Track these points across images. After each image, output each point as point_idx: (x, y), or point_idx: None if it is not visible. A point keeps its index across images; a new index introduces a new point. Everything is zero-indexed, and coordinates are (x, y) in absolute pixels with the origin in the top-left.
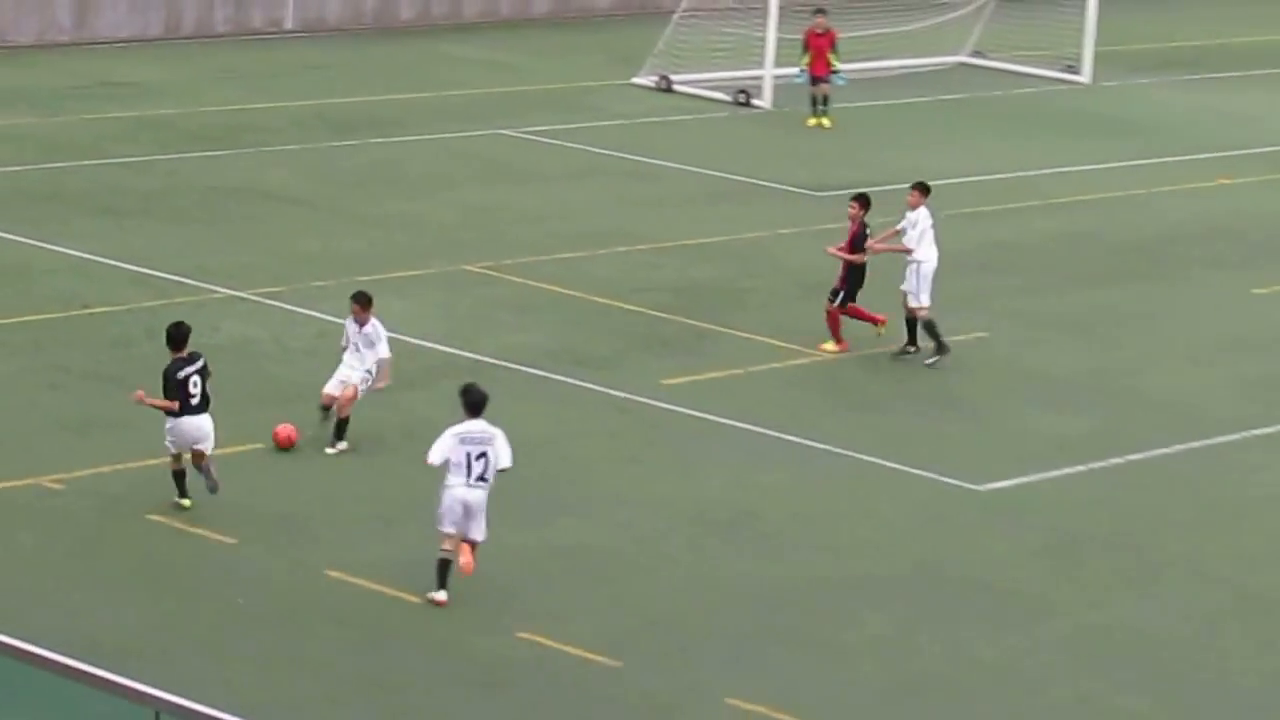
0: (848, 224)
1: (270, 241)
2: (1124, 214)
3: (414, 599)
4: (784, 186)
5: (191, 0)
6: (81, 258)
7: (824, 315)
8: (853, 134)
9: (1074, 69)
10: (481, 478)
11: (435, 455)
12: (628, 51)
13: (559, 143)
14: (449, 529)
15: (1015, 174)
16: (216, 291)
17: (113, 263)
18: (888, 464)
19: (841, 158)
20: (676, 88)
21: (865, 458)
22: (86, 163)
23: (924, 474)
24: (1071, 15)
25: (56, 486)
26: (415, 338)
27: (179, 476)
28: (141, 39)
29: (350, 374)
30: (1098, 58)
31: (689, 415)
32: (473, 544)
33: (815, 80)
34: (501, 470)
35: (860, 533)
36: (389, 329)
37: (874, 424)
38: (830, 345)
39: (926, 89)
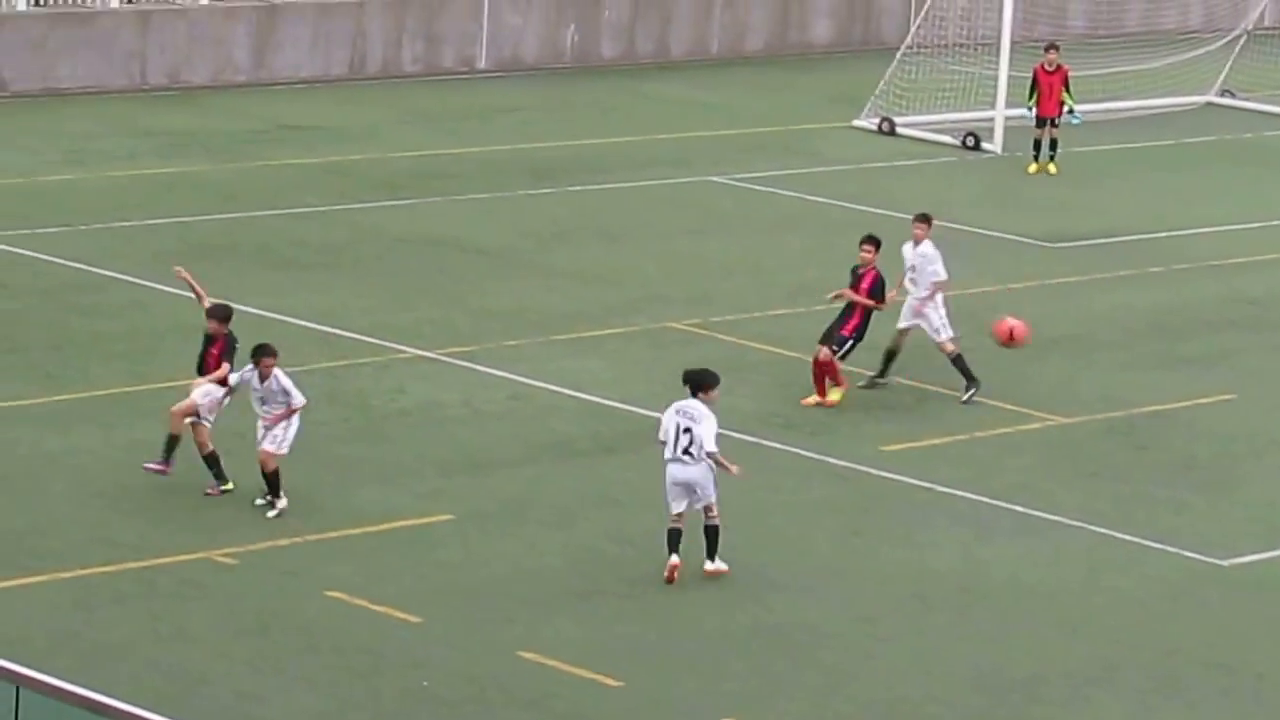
0: (862, 267)
1: (460, 297)
2: None
3: (611, 681)
4: (1014, 237)
5: (378, 38)
6: (258, 315)
7: (813, 364)
8: (1086, 179)
9: None
10: (686, 451)
11: (660, 431)
12: (848, 91)
13: (772, 189)
14: (673, 508)
15: (1266, 223)
16: (403, 351)
17: (291, 320)
18: (1123, 536)
19: (1075, 205)
20: (900, 130)
21: (1099, 529)
22: (264, 212)
23: (1163, 547)
24: None
25: (229, 561)
26: (616, 400)
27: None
28: (324, 79)
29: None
30: None
31: (911, 484)
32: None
33: (1042, 122)
34: (708, 453)
35: (1094, 611)
36: (586, 390)
37: (1108, 493)
38: (835, 394)
39: (1169, 131)
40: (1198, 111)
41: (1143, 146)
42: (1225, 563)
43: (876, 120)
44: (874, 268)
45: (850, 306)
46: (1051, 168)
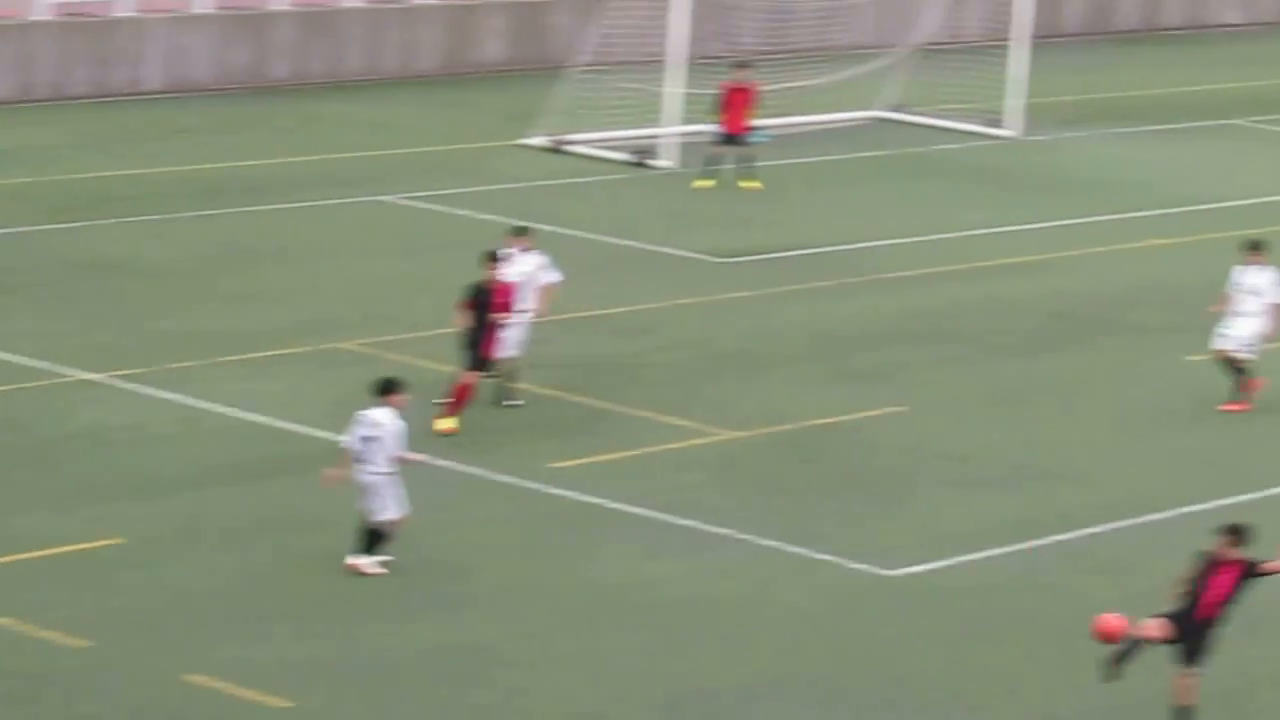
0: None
1: (130, 320)
2: (1052, 278)
3: (281, 703)
4: (685, 253)
5: (46, 60)
6: None
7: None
8: (758, 195)
9: (1000, 123)
10: (366, 459)
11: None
12: (521, 109)
13: (445, 209)
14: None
15: (936, 236)
16: (71, 375)
17: None
18: (792, 549)
19: (746, 221)
20: (572, 148)
21: (768, 543)
22: None
23: (832, 559)
24: (999, 67)
25: None
26: (286, 421)
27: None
28: None
29: None
30: (1027, 110)
31: (581, 500)
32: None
33: (729, 139)
34: (395, 457)
35: (764, 624)
36: (257, 411)
37: (777, 506)
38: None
39: (843, 146)
40: (869, 127)
41: (815, 162)
42: (892, 573)
43: (548, 138)
44: (505, 281)
45: (487, 327)
46: (755, 184)
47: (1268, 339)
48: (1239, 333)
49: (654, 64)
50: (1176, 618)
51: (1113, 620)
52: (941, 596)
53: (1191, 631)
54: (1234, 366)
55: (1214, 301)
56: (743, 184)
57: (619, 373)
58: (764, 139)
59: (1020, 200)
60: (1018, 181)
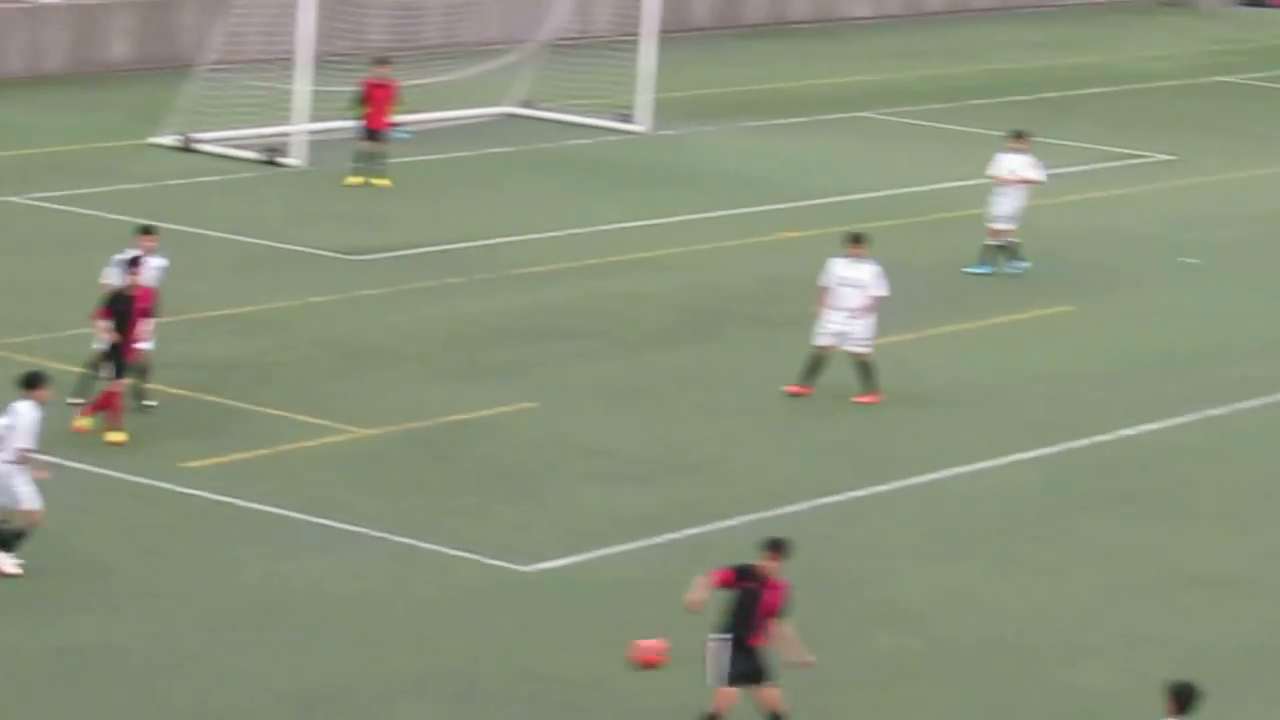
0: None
1: None
2: (683, 271)
3: None
4: (316, 251)
5: None
6: None
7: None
8: (390, 192)
9: (629, 117)
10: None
11: None
12: (149, 109)
13: (70, 209)
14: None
15: (567, 231)
16: None
17: None
18: (427, 546)
19: (377, 218)
20: (201, 146)
21: (403, 540)
22: None
23: (467, 555)
24: (629, 62)
25: None
26: None
27: None
28: None
29: None
30: (657, 105)
31: (213, 500)
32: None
33: (372, 134)
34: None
35: (399, 621)
36: None
37: (412, 503)
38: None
39: (473, 142)
40: (499, 122)
41: (445, 159)
42: (529, 569)
43: (177, 137)
44: (144, 286)
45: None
46: (385, 182)
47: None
48: (846, 328)
49: (282, 61)
50: (735, 643)
51: (651, 647)
52: (577, 592)
53: (748, 656)
54: (858, 361)
55: (819, 298)
56: (375, 182)
57: (251, 371)
58: (405, 135)
59: (651, 195)
60: (648, 176)
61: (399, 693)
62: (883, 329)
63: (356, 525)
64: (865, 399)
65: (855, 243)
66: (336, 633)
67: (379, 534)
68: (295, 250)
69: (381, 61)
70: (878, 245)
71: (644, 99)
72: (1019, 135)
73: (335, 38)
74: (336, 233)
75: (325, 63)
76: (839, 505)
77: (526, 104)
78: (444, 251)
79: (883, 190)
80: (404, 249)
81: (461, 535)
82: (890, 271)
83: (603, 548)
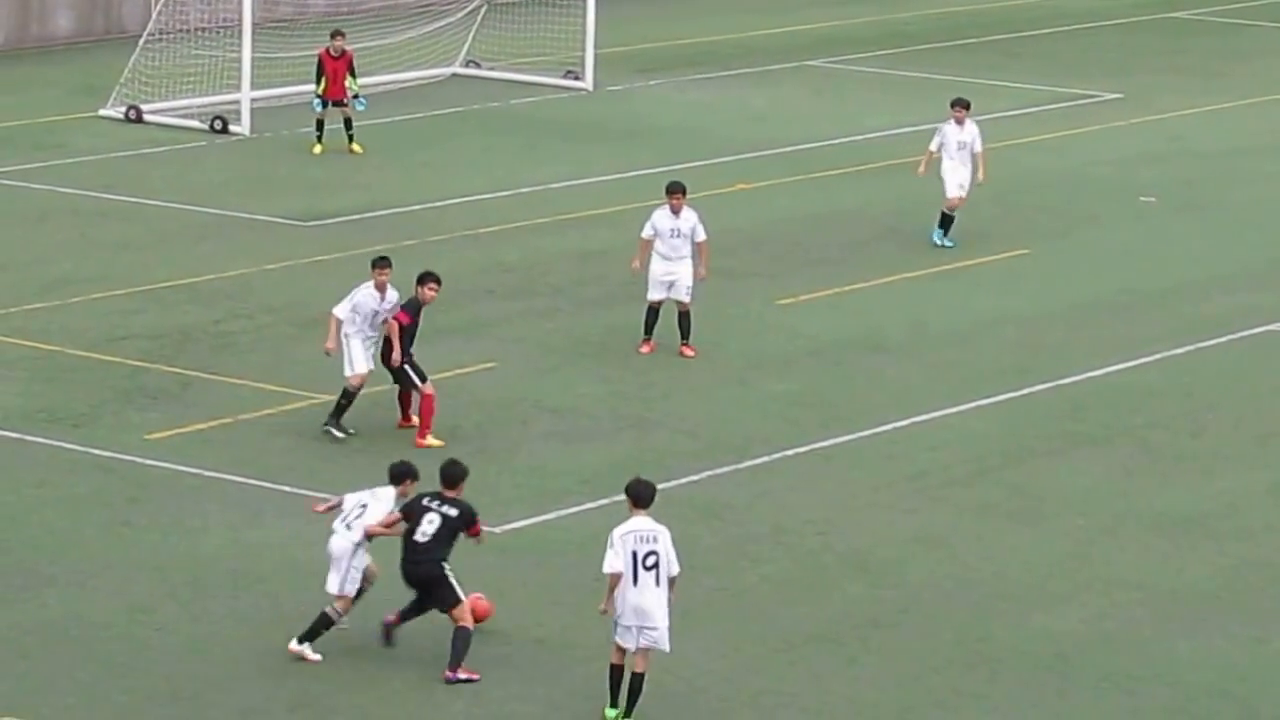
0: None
1: None
2: (636, 227)
3: None
4: (268, 218)
5: None
6: None
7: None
8: (345, 157)
9: (575, 74)
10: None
11: None
12: (93, 81)
13: (20, 184)
14: None
15: (519, 190)
16: None
17: None
18: None
19: (329, 183)
20: (148, 117)
21: None
22: None
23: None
24: (570, 18)
25: None
26: None
27: None
28: None
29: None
30: (600, 61)
31: (178, 470)
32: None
33: (333, 104)
34: None
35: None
36: None
37: (376, 467)
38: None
39: (420, 105)
40: (445, 83)
41: (394, 121)
42: (497, 530)
43: (123, 109)
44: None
45: None
46: (356, 147)
47: (701, 279)
48: (674, 278)
49: (226, 29)
50: None
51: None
52: (545, 551)
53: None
54: (683, 310)
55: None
56: (355, 148)
57: (209, 341)
58: (361, 106)
59: (601, 151)
60: (597, 133)
61: (370, 658)
62: (839, 278)
63: (321, 491)
64: (689, 350)
65: (674, 193)
66: (306, 599)
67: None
68: (247, 218)
69: (337, 33)
70: (830, 193)
71: (589, 55)
72: (964, 104)
73: (277, 4)
74: (287, 199)
75: (268, 29)
76: (804, 457)
77: (472, 64)
78: (396, 215)
79: (833, 139)
80: (356, 214)
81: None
82: (846, 219)
83: (569, 506)
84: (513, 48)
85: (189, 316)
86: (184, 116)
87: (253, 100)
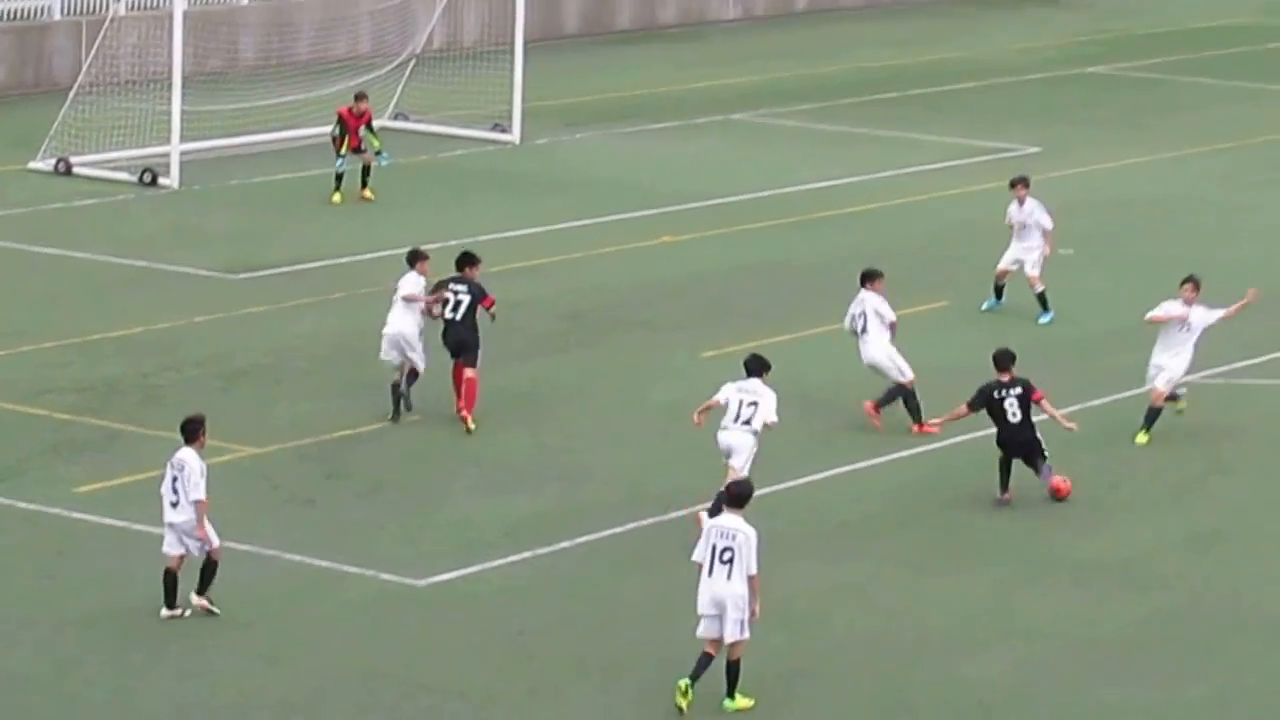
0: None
1: None
2: (562, 279)
3: None
4: (197, 270)
5: None
6: None
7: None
8: (269, 210)
9: (503, 127)
10: None
11: None
12: (24, 133)
13: None
14: None
15: (445, 242)
16: None
17: None
18: (319, 563)
19: (260, 235)
20: (77, 170)
21: (295, 557)
22: None
23: (359, 571)
24: (498, 72)
25: None
26: None
27: None
28: None
29: None
30: (527, 114)
31: (105, 524)
32: None
33: (353, 152)
34: None
35: (294, 639)
36: None
37: (303, 520)
38: None
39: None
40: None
41: (324, 174)
42: (421, 583)
43: (53, 161)
44: None
45: None
46: (368, 193)
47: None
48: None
49: (156, 82)
50: None
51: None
52: (471, 603)
53: None
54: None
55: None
56: (367, 194)
57: (137, 393)
58: (383, 163)
59: (529, 204)
60: (525, 185)
61: (298, 709)
62: (763, 330)
63: (249, 544)
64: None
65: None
66: (233, 652)
67: (272, 552)
68: (176, 270)
69: (361, 96)
70: (755, 245)
71: (517, 108)
72: (1024, 183)
73: (207, 57)
74: (217, 251)
75: (198, 82)
76: None
77: (401, 116)
78: (326, 267)
79: (758, 192)
80: (285, 266)
81: (354, 550)
82: (771, 271)
83: (495, 559)
84: (441, 101)
85: (117, 369)
86: (114, 169)
87: (182, 153)
